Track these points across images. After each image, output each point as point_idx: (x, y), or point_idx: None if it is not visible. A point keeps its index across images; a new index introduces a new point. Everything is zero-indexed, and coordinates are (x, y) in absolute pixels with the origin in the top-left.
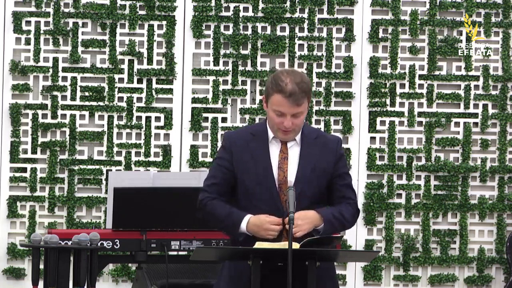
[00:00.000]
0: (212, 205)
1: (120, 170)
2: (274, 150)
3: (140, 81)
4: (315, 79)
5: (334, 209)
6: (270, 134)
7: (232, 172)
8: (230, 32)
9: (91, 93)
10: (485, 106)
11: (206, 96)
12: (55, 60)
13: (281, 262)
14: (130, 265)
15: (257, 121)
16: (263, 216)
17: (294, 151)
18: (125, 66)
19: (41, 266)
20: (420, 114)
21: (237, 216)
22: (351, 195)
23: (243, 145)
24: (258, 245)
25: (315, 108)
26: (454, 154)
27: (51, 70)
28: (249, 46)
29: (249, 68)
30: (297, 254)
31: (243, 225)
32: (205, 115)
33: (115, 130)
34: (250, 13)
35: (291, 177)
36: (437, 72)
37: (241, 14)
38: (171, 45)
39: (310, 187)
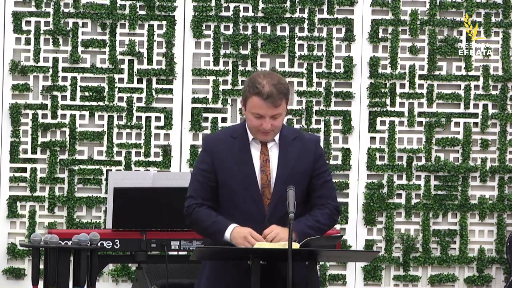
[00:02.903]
0: (198, 213)
1: (120, 170)
2: (255, 152)
3: (140, 81)
4: (315, 79)
5: (308, 219)
6: (250, 136)
7: (214, 175)
8: (230, 32)
9: (91, 93)
10: (485, 106)
11: (206, 96)
12: (55, 60)
13: (265, 261)
14: (130, 265)
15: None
16: (248, 229)
17: (274, 152)
18: (125, 66)
19: (41, 266)
20: (420, 114)
21: (222, 225)
22: (330, 193)
23: (224, 148)
24: (258, 245)
25: (315, 108)
26: (454, 154)
27: (51, 70)
28: (249, 46)
29: (249, 68)
30: (297, 254)
31: (227, 234)
32: (205, 115)
33: (115, 130)
34: (250, 13)
35: (274, 179)
36: (437, 72)
37: (241, 14)
38: (171, 45)
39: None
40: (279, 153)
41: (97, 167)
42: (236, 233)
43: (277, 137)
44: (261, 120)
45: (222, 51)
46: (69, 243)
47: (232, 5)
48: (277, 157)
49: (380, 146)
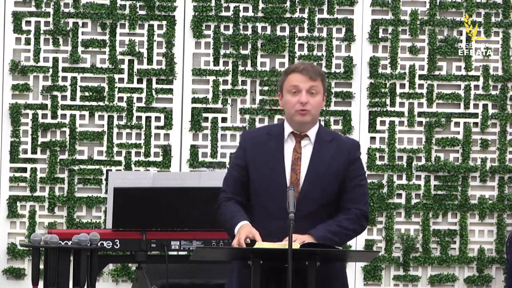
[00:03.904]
0: (223, 207)
1: (120, 170)
2: (289, 150)
3: (140, 81)
4: None
5: (331, 224)
6: (286, 133)
7: (246, 171)
8: (230, 32)
9: (91, 93)
10: (485, 106)
11: (206, 96)
12: (55, 60)
13: (287, 264)
14: (130, 265)
15: (257, 121)
16: (253, 230)
17: (307, 151)
18: (125, 66)
19: (41, 266)
20: (420, 114)
21: (236, 220)
22: (360, 198)
23: (258, 144)
24: (258, 245)
25: None
26: (454, 154)
27: (51, 70)
28: (249, 46)
29: (249, 68)
30: (297, 254)
31: (236, 230)
32: (205, 115)
33: (115, 130)
34: (250, 13)
35: (303, 178)
36: (437, 72)
37: (241, 14)
38: (171, 45)
39: (319, 189)
40: (312, 152)
41: (97, 167)
42: (238, 232)
43: (312, 136)
44: (298, 96)
45: (222, 51)
46: (69, 243)
47: (232, 5)
48: (309, 156)
49: (380, 146)
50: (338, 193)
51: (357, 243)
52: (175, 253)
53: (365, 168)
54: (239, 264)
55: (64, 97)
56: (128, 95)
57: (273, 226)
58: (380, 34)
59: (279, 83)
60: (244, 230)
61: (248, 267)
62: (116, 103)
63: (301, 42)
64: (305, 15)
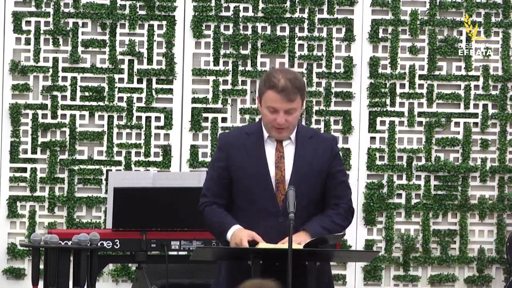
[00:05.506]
0: (207, 212)
1: (120, 170)
2: (270, 149)
3: (140, 81)
4: (315, 79)
5: (324, 220)
6: (266, 133)
7: (228, 172)
8: (230, 32)
9: (91, 93)
10: (485, 106)
11: (206, 96)
12: (55, 60)
13: (278, 262)
14: (130, 265)
15: (256, 121)
16: (246, 232)
17: (289, 150)
18: (125, 66)
19: (41, 266)
20: (420, 114)
21: (225, 226)
22: (345, 193)
23: (238, 144)
24: (262, 245)
25: (315, 108)
26: (454, 154)
27: (51, 70)
28: (249, 46)
29: (249, 68)
30: (297, 254)
31: (228, 235)
32: (205, 115)
33: (115, 130)
34: (250, 13)
35: (289, 176)
36: (437, 72)
37: (241, 14)
38: (171, 45)
39: (305, 186)
40: (295, 150)
41: (97, 167)
42: (234, 236)
43: (293, 136)
44: (275, 115)
45: (222, 51)
46: (69, 243)
47: (232, 5)
48: (292, 155)
49: (380, 146)
50: (323, 189)
51: (357, 243)
52: (175, 253)
53: (365, 168)
54: (227, 263)
55: (64, 97)
56: (128, 95)
57: (265, 224)
58: (380, 34)
59: (259, 88)
60: (243, 233)
61: (246, 267)
62: (116, 103)
63: (301, 42)
64: (305, 15)
